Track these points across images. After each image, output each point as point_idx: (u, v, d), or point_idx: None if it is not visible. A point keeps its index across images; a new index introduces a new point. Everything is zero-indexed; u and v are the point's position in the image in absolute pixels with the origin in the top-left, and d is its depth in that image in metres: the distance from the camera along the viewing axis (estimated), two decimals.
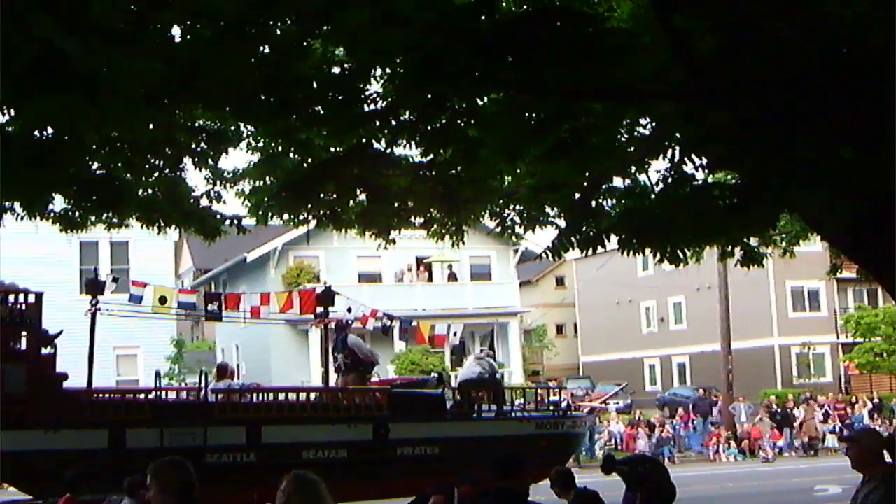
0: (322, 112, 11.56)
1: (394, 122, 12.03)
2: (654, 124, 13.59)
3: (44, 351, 20.44)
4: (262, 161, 14.69)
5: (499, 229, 17.16)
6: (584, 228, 13.60)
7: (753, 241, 19.60)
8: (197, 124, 13.69)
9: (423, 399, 23.93)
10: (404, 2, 9.26)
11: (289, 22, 10.30)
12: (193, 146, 14.04)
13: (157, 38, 9.68)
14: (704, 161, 11.24)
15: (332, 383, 24.28)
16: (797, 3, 9.07)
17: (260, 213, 15.08)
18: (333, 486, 16.54)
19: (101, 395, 21.77)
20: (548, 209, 16.35)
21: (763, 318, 61.16)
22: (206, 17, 9.83)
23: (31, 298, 20.11)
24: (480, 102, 11.81)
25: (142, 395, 22.16)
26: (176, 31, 10.30)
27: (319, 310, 24.60)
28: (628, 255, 12.31)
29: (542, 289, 77.48)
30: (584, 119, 11.83)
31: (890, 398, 54.67)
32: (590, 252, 12.96)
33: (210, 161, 14.62)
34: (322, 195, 14.53)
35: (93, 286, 22.12)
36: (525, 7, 10.63)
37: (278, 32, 10.15)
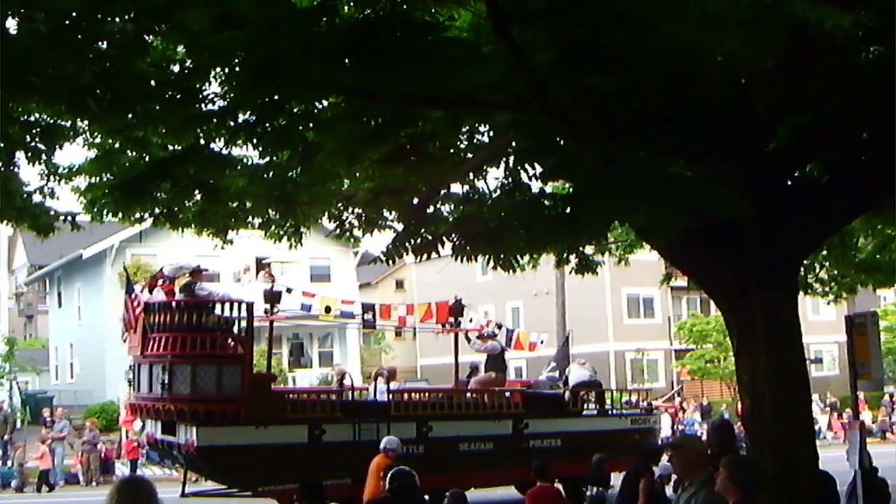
0: (159, 110, 11.44)
1: (232, 123, 11.98)
2: (492, 132, 13.75)
3: None
4: (97, 157, 14.46)
5: (337, 232, 17.19)
6: (420, 233, 13.71)
7: (589, 249, 19.95)
8: (31, 118, 13.43)
9: (548, 399, 26.92)
10: (243, 2, 9.22)
11: (126, 19, 10.17)
12: (28, 140, 13.76)
13: None
14: (539, 170, 11.42)
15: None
16: (631, 20, 9.26)
17: (95, 210, 14.85)
18: (481, 475, 17.82)
19: (297, 395, 24.53)
20: (386, 213, 16.43)
21: (599, 323, 62.10)
22: (41, 10, 9.67)
23: (243, 308, 22.05)
24: (319, 106, 11.83)
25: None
26: (11, 23, 10.12)
27: (451, 320, 27.26)
28: (461, 261, 12.44)
29: (381, 291, 77.44)
30: (422, 126, 11.92)
31: (720, 403, 55.98)
32: (425, 257, 13.06)
33: (44, 156, 14.35)
34: (158, 194, 14.37)
35: (270, 296, 23.92)
36: (366, 12, 10.67)
37: (115, 30, 10.00)
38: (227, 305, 22.40)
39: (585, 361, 29.47)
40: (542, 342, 31.69)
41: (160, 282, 23.02)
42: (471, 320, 29.21)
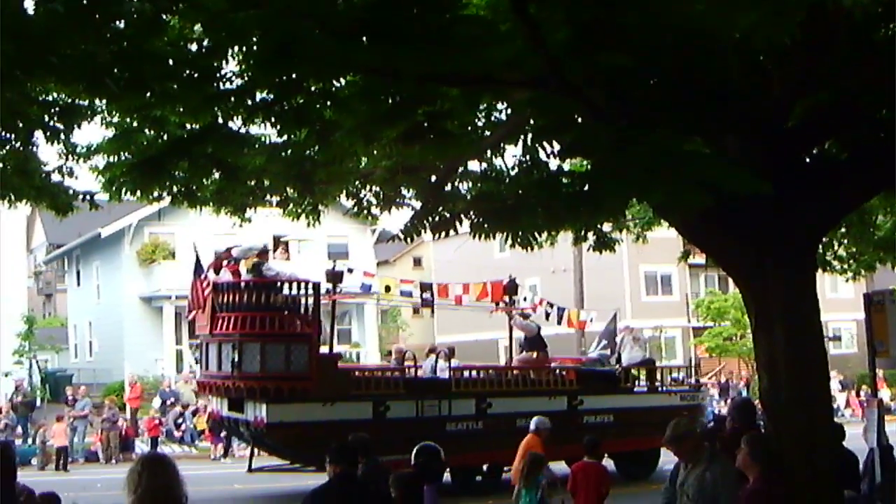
0: (176, 89, 11.45)
1: (249, 102, 11.98)
2: (510, 110, 13.74)
3: None
4: (115, 137, 14.49)
5: (355, 210, 17.22)
6: (438, 211, 13.72)
7: (606, 227, 19.96)
8: (50, 98, 13.46)
9: (602, 376, 28.21)
10: None
11: None
12: (46, 120, 13.79)
13: (8, 9, 9.50)
14: (556, 148, 11.41)
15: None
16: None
17: (113, 188, 14.90)
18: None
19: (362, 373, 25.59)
20: (404, 191, 16.45)
21: (617, 300, 61.74)
22: None
23: (310, 288, 23.27)
24: (337, 84, 11.83)
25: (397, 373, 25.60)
26: (29, 3, 10.14)
27: (505, 298, 29.10)
28: (480, 238, 12.44)
29: (399, 269, 77.47)
30: (440, 103, 11.91)
31: (738, 380, 55.96)
32: (442, 235, 13.09)
33: (62, 135, 14.39)
34: (176, 172, 14.41)
35: (332, 276, 24.96)
36: None
37: (133, 9, 10.01)
38: (293, 285, 23.31)
39: (639, 336, 30.59)
40: (591, 320, 33.86)
41: (225, 262, 24.00)
42: (524, 299, 30.78)
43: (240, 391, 22.73)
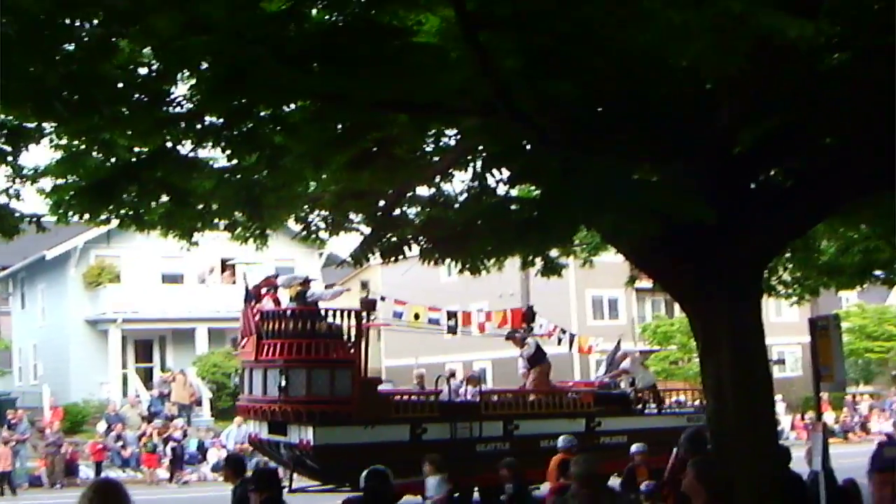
0: (126, 113, 11.42)
1: (199, 126, 11.96)
2: (459, 136, 13.80)
3: None
4: (63, 159, 14.38)
5: (303, 234, 17.19)
6: (387, 236, 13.74)
7: (554, 252, 20.05)
8: None
9: (616, 398, 29.46)
10: (217, 5, 9.23)
11: (95, 22, 10.14)
12: None
13: None
14: (505, 174, 11.47)
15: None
16: (597, 30, 9.32)
17: (61, 211, 14.79)
18: None
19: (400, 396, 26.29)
20: (352, 215, 16.45)
21: (564, 324, 60.89)
22: (10, 13, 9.64)
23: (352, 316, 24.29)
24: (287, 109, 11.84)
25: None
26: None
27: (524, 326, 29.62)
28: (429, 264, 12.49)
29: (347, 293, 77.18)
30: (389, 129, 11.95)
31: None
32: (392, 259, 13.12)
33: (10, 157, 14.28)
34: (124, 196, 14.32)
35: (366, 304, 25.52)
36: (335, 17, 10.68)
37: (84, 34, 9.98)
38: (336, 314, 24.48)
39: (644, 360, 32.78)
40: (597, 345, 35.46)
41: (264, 290, 25.11)
42: (541, 326, 31.48)
43: (286, 415, 23.46)
